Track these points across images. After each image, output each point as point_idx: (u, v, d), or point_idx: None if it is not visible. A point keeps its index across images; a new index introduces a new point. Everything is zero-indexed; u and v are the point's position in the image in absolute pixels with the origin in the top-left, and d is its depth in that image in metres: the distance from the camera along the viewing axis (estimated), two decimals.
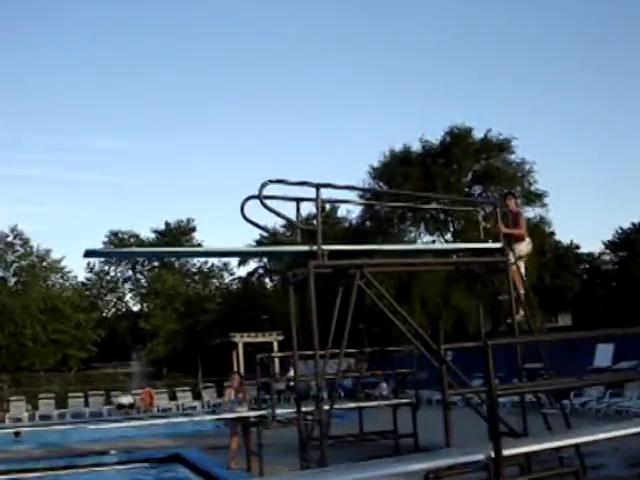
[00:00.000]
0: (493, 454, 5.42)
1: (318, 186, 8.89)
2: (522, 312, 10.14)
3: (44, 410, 30.50)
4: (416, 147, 46.46)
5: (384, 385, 26.47)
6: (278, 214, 8.93)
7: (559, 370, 10.01)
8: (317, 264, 8.65)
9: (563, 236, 54.41)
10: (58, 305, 54.17)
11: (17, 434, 22.57)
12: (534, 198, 44.85)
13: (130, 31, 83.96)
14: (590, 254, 57.83)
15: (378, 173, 46.60)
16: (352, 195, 38.53)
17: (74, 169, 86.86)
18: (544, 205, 45.25)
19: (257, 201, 8.56)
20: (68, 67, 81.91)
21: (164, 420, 16.52)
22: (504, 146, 45.09)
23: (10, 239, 55.69)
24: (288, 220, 9.78)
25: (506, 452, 5.51)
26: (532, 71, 79.56)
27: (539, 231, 44.12)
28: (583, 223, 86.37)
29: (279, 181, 8.66)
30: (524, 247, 10.87)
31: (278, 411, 12.80)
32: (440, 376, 6.72)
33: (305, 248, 8.88)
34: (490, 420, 6.50)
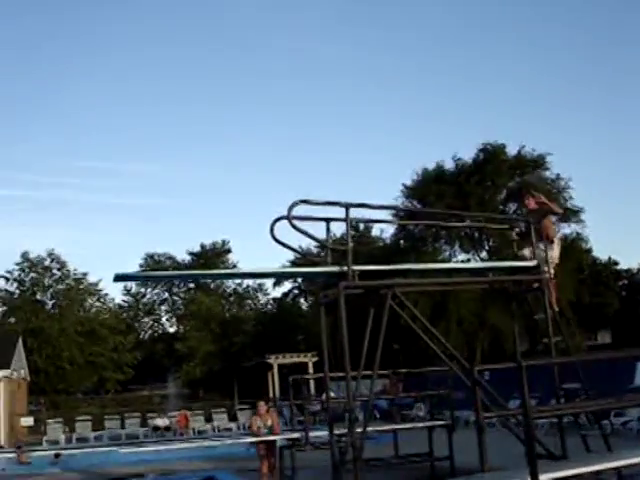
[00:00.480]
0: (529, 479, 5.26)
1: (348, 206, 8.79)
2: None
3: (81, 432, 30.66)
4: (449, 165, 46.23)
5: (421, 406, 26.19)
6: (307, 234, 8.83)
7: (598, 390, 9.76)
8: (347, 284, 8.54)
9: (601, 252, 53.78)
10: (95, 328, 54.46)
11: (57, 455, 22.62)
12: (570, 214, 44.26)
13: (163, 58, 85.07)
14: (629, 270, 56.92)
15: (411, 192, 46.37)
16: (384, 214, 38.39)
17: (110, 193, 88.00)
18: (580, 221, 44.62)
19: (287, 221, 8.49)
20: (102, 93, 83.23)
21: (198, 443, 16.43)
22: (538, 162, 44.61)
23: (47, 263, 56.25)
24: (317, 240, 9.69)
25: (543, 477, 5.34)
26: (564, 86, 78.98)
27: (576, 248, 43.51)
28: (621, 239, 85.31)
29: (308, 201, 8.57)
30: (556, 251, 10.56)
31: (312, 434, 12.66)
32: (474, 398, 6.57)
33: (335, 269, 8.77)
34: (527, 443, 6.33)
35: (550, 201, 10.88)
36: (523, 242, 10.83)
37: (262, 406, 14.39)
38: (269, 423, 13.79)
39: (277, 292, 61.21)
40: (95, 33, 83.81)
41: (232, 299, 64.36)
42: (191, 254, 66.07)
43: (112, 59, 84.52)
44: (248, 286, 64.20)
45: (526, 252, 10.51)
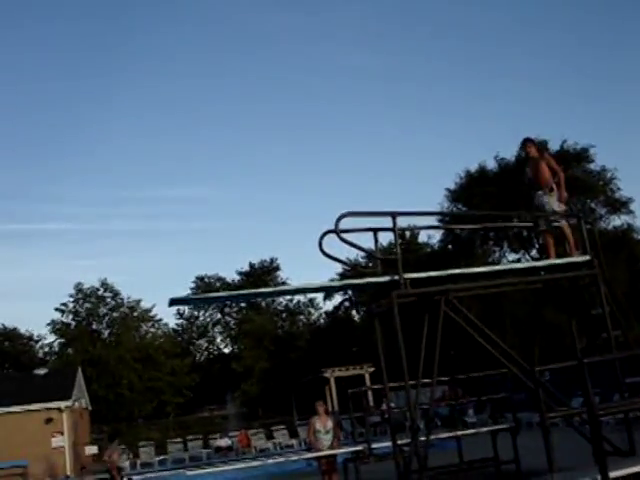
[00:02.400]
0: (600, 477, 5.18)
1: (394, 214, 8.77)
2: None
3: (145, 458, 30.92)
4: (492, 165, 45.85)
5: (470, 412, 25.97)
6: (356, 246, 8.83)
7: None
8: (400, 293, 8.51)
9: None
10: (151, 353, 55.17)
11: None
12: (619, 206, 43.53)
13: (207, 80, 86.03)
14: None
15: (455, 195, 46.08)
16: (430, 220, 38.13)
17: (158, 219, 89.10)
18: (630, 212, 43.82)
19: (334, 234, 8.50)
20: (145, 116, 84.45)
21: (261, 461, 16.47)
22: (582, 155, 43.98)
23: (101, 293, 57.13)
24: (366, 252, 9.69)
25: (613, 474, 5.26)
26: (603, 76, 77.85)
27: (628, 239, 42.73)
28: None
29: (355, 213, 8.58)
30: (554, 198, 10.52)
31: (374, 445, 12.58)
32: (537, 399, 6.50)
33: (386, 278, 8.75)
34: (594, 441, 6.25)
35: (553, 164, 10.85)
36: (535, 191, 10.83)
37: (321, 405, 13.61)
38: (329, 425, 13.23)
39: (328, 305, 61.34)
40: (135, 53, 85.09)
41: (284, 316, 64.63)
42: (240, 274, 66.62)
43: (154, 85, 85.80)
44: (299, 302, 64.51)
45: (550, 202, 10.51)
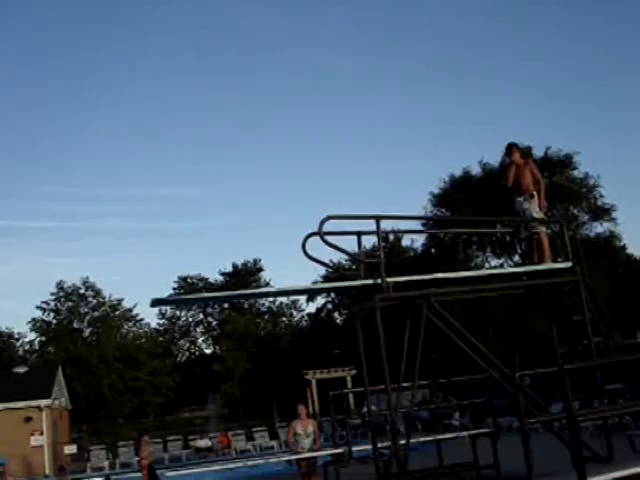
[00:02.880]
0: None
1: (378, 218, 8.79)
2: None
3: (124, 458, 30.75)
4: (476, 171, 46.02)
5: (456, 415, 26.03)
6: (340, 249, 8.85)
7: None
8: (383, 297, 8.53)
9: (636, 249, 53.13)
10: (133, 353, 54.97)
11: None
12: (602, 213, 43.83)
13: (192, 81, 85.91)
14: None
15: (439, 200, 46.22)
16: (414, 224, 38.19)
17: (140, 218, 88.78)
18: (613, 219, 44.13)
19: (318, 237, 8.50)
20: (133, 116, 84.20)
21: (242, 463, 16.45)
22: (566, 162, 44.23)
23: (82, 291, 56.87)
24: (350, 255, 9.71)
25: None
26: (588, 82, 78.36)
27: (610, 246, 43.03)
28: None
29: (339, 216, 8.59)
30: (534, 205, 10.62)
31: (355, 448, 12.59)
32: (516, 404, 6.53)
33: (369, 282, 8.76)
34: (572, 447, 6.28)
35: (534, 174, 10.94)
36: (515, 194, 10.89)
37: (302, 409, 13.51)
38: (310, 429, 13.20)
39: (311, 308, 61.34)
40: (124, 54, 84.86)
41: (266, 317, 64.57)
42: (223, 274, 66.47)
43: (143, 85, 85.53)
44: (282, 303, 64.44)
45: (530, 208, 10.60)
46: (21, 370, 35.01)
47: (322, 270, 51.18)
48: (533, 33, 78.36)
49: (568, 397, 5.82)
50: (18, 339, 62.00)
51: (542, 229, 10.51)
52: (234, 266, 66.59)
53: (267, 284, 64.83)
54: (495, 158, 45.24)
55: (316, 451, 13.12)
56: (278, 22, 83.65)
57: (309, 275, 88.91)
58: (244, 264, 66.84)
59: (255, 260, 67.06)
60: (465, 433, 14.43)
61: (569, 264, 9.87)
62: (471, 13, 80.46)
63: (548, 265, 10.24)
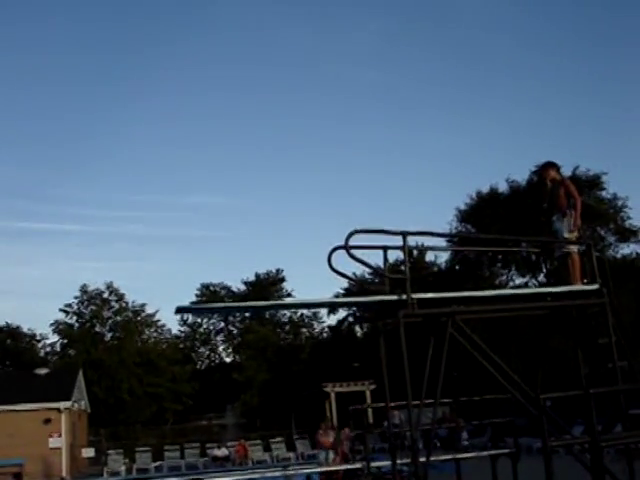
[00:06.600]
0: None
1: (404, 234, 8.72)
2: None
3: (141, 463, 30.82)
4: (503, 188, 45.80)
5: (463, 435, 25.79)
6: (365, 264, 8.79)
7: None
8: (407, 313, 8.46)
9: None
10: (153, 359, 55.09)
11: None
12: (629, 235, 43.44)
13: (222, 93, 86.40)
14: None
15: (465, 216, 46.05)
16: (439, 240, 38.11)
17: (166, 225, 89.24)
18: (639, 241, 43.71)
19: (344, 250, 8.44)
20: (162, 123, 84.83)
21: (259, 474, 16.39)
22: (594, 182, 43.90)
23: (106, 295, 57.15)
24: (375, 270, 9.65)
25: None
26: (618, 103, 77.81)
27: (636, 267, 42.62)
28: None
29: (365, 231, 8.54)
30: (566, 223, 10.44)
31: (373, 464, 12.50)
32: (540, 426, 6.44)
33: (394, 297, 8.69)
34: (594, 471, 6.19)
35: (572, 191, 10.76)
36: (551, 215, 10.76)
37: (325, 423, 13.54)
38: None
39: (332, 319, 61.16)
40: (148, 66, 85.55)
41: (287, 328, 64.51)
42: (246, 283, 66.54)
43: (173, 93, 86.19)
44: (303, 314, 64.35)
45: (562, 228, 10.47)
46: (42, 372, 35.21)
47: (344, 283, 51.10)
48: (563, 51, 78.10)
49: (592, 421, 5.74)
50: (40, 340, 62.56)
51: (573, 249, 10.38)
52: (256, 275, 66.72)
53: (289, 294, 64.88)
54: (522, 176, 45.07)
55: (338, 464, 13.14)
56: (309, 36, 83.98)
57: (330, 287, 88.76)
58: (266, 273, 66.92)
59: (277, 270, 67.17)
60: (485, 453, 14.26)
61: (596, 286, 9.75)
62: (500, 30, 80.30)
63: (575, 286, 10.12)
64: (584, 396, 5.35)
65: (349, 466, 13.19)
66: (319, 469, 12.97)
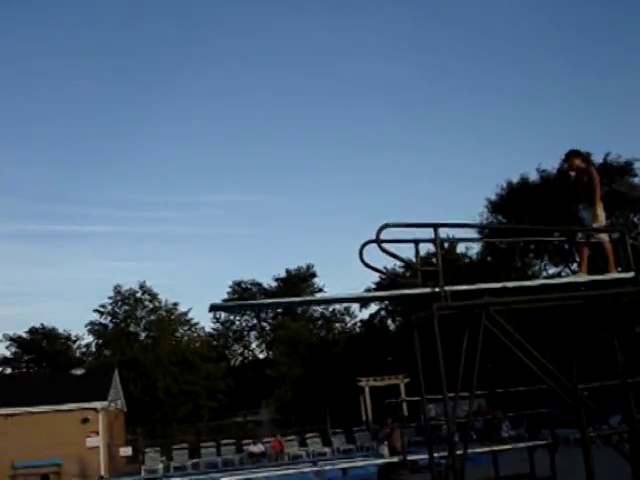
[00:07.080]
0: None
1: (436, 226, 8.69)
2: None
3: (178, 461, 31.06)
4: (534, 177, 45.36)
5: (504, 426, 25.64)
6: (397, 257, 8.77)
7: None
8: (440, 306, 8.43)
9: None
10: (188, 357, 55.40)
11: None
12: None
13: (252, 93, 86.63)
14: None
15: (496, 206, 45.68)
16: (470, 231, 37.82)
17: (197, 223, 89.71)
18: None
19: (375, 244, 8.43)
20: (194, 123, 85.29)
21: (297, 469, 16.45)
22: (626, 169, 43.32)
23: (139, 295, 57.56)
24: (407, 263, 9.63)
25: None
26: None
27: None
28: None
29: (396, 225, 8.51)
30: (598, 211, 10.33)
31: (410, 457, 12.48)
32: (579, 417, 6.39)
33: (427, 290, 8.65)
34: (633, 461, 6.13)
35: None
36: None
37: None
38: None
39: (364, 314, 61.11)
40: (177, 67, 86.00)
41: (320, 323, 64.58)
42: (277, 280, 66.72)
43: (206, 94, 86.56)
44: (335, 309, 64.39)
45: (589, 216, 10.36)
46: (78, 372, 35.59)
47: (375, 276, 51.03)
48: (596, 33, 77.19)
49: (632, 411, 5.68)
50: (75, 341, 63.28)
51: (604, 237, 10.27)
52: (287, 272, 66.88)
53: (320, 290, 64.98)
54: (553, 164, 44.56)
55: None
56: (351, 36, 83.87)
57: (361, 281, 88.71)
58: (297, 270, 67.05)
59: (308, 266, 67.29)
60: (522, 444, 14.18)
61: (631, 274, 9.63)
62: (530, 13, 79.54)
63: (609, 275, 10.01)
64: (622, 386, 5.29)
65: (387, 460, 13.18)
66: (380, 460, 12.89)
